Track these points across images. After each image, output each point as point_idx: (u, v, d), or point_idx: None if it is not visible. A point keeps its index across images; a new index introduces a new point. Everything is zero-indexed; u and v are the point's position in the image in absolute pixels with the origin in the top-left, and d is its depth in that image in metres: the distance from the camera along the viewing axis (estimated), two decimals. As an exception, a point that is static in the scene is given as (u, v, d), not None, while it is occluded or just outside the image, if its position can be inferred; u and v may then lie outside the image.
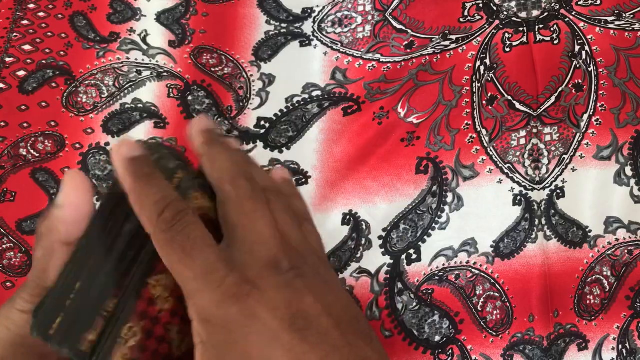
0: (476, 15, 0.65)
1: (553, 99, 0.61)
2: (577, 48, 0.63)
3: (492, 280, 0.56)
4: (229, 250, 0.39)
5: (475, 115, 0.61)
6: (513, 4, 0.65)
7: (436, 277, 0.57)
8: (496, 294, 0.56)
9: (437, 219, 0.58)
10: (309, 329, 0.37)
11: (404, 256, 0.58)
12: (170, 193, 0.39)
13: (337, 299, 0.40)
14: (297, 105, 0.63)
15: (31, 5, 0.68)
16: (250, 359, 0.37)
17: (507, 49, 0.63)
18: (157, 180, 0.39)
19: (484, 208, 0.59)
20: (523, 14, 0.64)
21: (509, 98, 0.61)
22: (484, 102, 0.62)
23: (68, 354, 0.37)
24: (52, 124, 0.63)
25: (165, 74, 0.65)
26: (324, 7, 0.67)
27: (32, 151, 0.62)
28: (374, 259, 0.58)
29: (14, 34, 0.67)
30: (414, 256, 0.58)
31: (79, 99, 0.64)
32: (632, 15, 0.63)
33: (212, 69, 0.65)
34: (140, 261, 0.38)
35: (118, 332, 0.37)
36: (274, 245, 0.39)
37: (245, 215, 0.40)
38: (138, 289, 0.38)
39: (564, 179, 0.59)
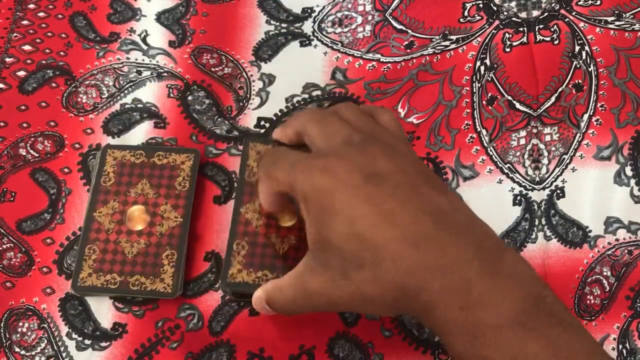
0: (476, 15, 0.65)
1: (553, 99, 0.61)
2: (577, 48, 0.63)
3: (492, 280, 0.56)
4: (315, 153, 0.50)
5: (475, 115, 0.61)
6: (513, 4, 0.65)
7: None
8: (496, 294, 0.56)
9: (437, 219, 0.58)
10: (384, 183, 0.45)
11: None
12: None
13: (409, 162, 0.48)
14: (297, 105, 0.63)
15: (31, 6, 0.68)
16: (339, 214, 0.45)
17: (507, 49, 0.63)
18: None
19: (484, 208, 0.58)
20: (523, 14, 0.64)
21: (509, 98, 0.61)
22: (484, 102, 0.62)
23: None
24: (52, 124, 0.63)
25: (165, 74, 0.65)
26: (324, 7, 0.67)
27: (31, 151, 0.62)
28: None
29: (14, 34, 0.67)
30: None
31: (79, 99, 0.64)
32: (632, 16, 0.64)
33: (212, 69, 0.65)
34: (235, 200, 0.58)
35: (230, 248, 0.55)
36: (344, 129, 0.50)
37: (318, 123, 0.51)
38: (235, 217, 0.57)
39: (564, 179, 0.59)
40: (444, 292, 0.43)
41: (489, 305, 0.42)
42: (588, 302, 0.55)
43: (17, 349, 0.56)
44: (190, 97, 0.63)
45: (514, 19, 0.64)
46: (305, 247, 0.52)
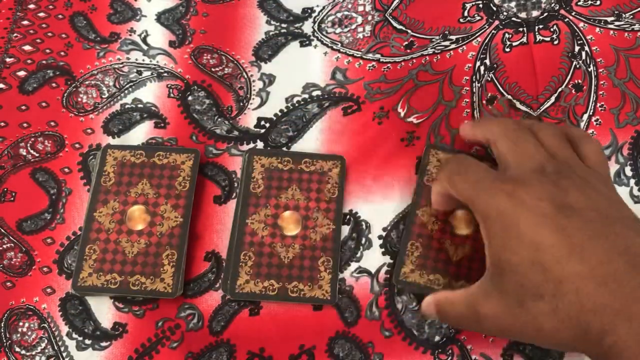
0: (476, 15, 0.65)
1: (553, 99, 0.61)
2: (576, 48, 0.63)
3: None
4: (502, 172, 0.49)
5: (475, 115, 0.61)
6: (513, 4, 0.65)
7: (436, 277, 0.57)
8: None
9: (437, 218, 0.58)
10: (575, 216, 0.43)
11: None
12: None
13: (604, 199, 0.46)
14: (297, 105, 0.63)
15: (31, 6, 0.68)
16: (523, 238, 0.43)
17: (507, 49, 0.63)
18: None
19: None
20: (523, 14, 0.64)
21: (509, 98, 0.61)
22: (483, 102, 0.62)
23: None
24: (52, 124, 0.63)
25: (165, 74, 0.65)
26: (324, 7, 0.67)
27: (31, 151, 0.62)
28: (374, 258, 0.58)
29: (14, 34, 0.67)
30: (414, 256, 0.58)
31: (79, 99, 0.64)
32: (631, 16, 0.64)
33: (212, 69, 0.65)
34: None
35: (404, 248, 0.56)
36: (538, 156, 0.48)
37: (512, 141, 0.50)
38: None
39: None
40: (632, 340, 0.40)
41: None
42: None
43: (17, 349, 0.56)
44: (190, 97, 0.64)
45: (513, 19, 0.64)
46: (479, 258, 0.55)
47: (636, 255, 0.42)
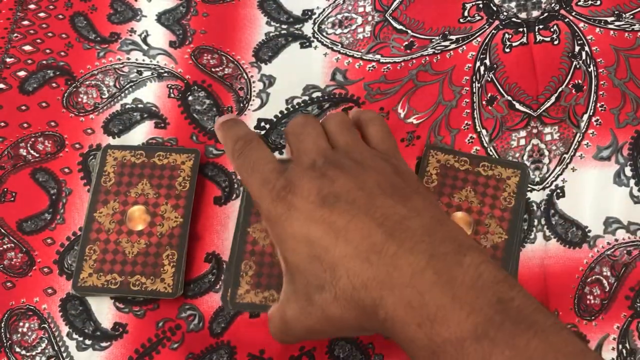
0: (476, 15, 0.65)
1: (553, 99, 0.61)
2: (577, 48, 0.63)
3: (492, 281, 0.56)
4: (286, 165, 0.49)
5: (475, 116, 0.61)
6: (513, 4, 0.65)
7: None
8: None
9: (437, 219, 0.58)
10: (339, 202, 0.45)
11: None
12: (244, 132, 0.52)
13: (375, 174, 0.47)
14: (297, 106, 0.63)
15: (32, 6, 0.68)
16: (299, 236, 0.45)
17: (507, 50, 0.63)
18: (237, 126, 0.53)
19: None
20: (523, 15, 0.64)
21: (509, 98, 0.61)
22: (483, 102, 0.62)
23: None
24: (52, 124, 0.63)
25: (165, 74, 0.65)
26: (324, 9, 0.67)
27: (32, 151, 0.62)
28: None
29: (15, 35, 0.67)
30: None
31: (80, 99, 0.64)
32: (632, 16, 0.64)
33: (213, 70, 0.65)
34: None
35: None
36: (313, 152, 0.49)
37: (295, 136, 0.51)
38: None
39: (564, 179, 0.59)
40: (398, 307, 0.41)
41: (447, 319, 0.40)
42: (588, 302, 0.55)
43: (17, 349, 0.56)
44: (190, 98, 0.64)
45: (513, 19, 0.64)
46: None
47: (394, 223, 0.43)
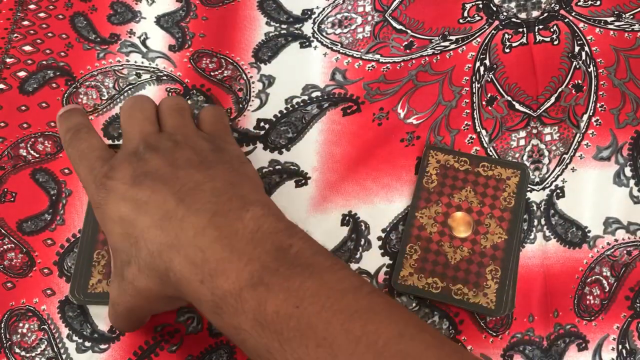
0: (476, 15, 0.65)
1: (553, 99, 0.61)
2: (576, 49, 0.63)
3: (492, 281, 0.56)
4: (116, 152, 0.51)
5: (475, 116, 0.61)
6: (513, 4, 0.65)
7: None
8: (495, 295, 0.56)
9: (436, 219, 0.58)
10: (146, 179, 0.47)
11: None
12: (75, 122, 0.54)
13: (195, 153, 0.49)
14: (296, 106, 0.63)
15: (32, 6, 0.68)
16: (114, 220, 0.47)
17: (507, 50, 0.63)
18: (70, 116, 0.55)
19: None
20: (523, 15, 0.64)
21: (509, 99, 0.61)
22: (483, 102, 0.62)
23: None
24: (52, 124, 0.63)
25: (164, 77, 0.65)
26: (324, 9, 0.67)
27: (32, 152, 0.62)
28: (374, 259, 0.58)
29: (15, 35, 0.67)
30: (414, 257, 0.58)
31: (79, 100, 0.64)
32: (631, 16, 0.63)
33: (212, 73, 0.65)
34: (412, 204, 0.58)
35: (403, 251, 0.56)
36: (137, 138, 0.51)
37: (124, 121, 0.53)
38: (411, 220, 0.57)
39: (564, 179, 0.59)
40: (183, 266, 0.43)
41: (226, 272, 0.42)
42: (588, 302, 0.55)
43: (17, 350, 0.56)
44: (189, 102, 0.63)
45: (513, 19, 0.64)
46: (477, 261, 0.55)
47: (188, 190, 0.46)
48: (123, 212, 0.46)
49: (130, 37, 0.66)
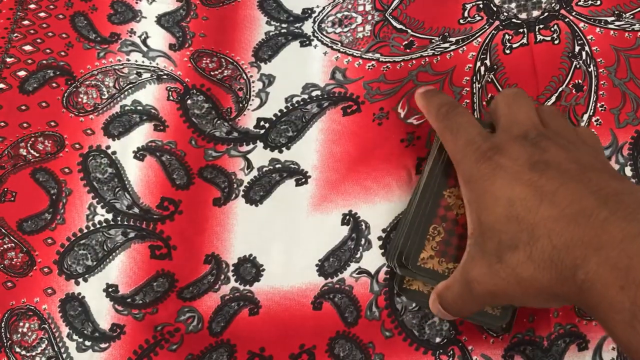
0: (476, 16, 0.65)
1: (553, 99, 0.61)
2: (577, 48, 0.63)
3: (492, 281, 0.56)
4: (492, 134, 0.50)
5: (476, 116, 0.61)
6: (513, 4, 0.65)
7: (436, 278, 0.57)
8: (496, 295, 0.56)
9: (436, 219, 0.58)
10: (549, 169, 0.45)
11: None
12: (449, 99, 0.54)
13: (589, 155, 0.48)
14: (296, 105, 0.63)
15: (32, 6, 0.68)
16: (498, 197, 0.45)
17: (507, 51, 0.63)
18: (439, 94, 0.55)
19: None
20: (523, 15, 0.64)
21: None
22: (484, 102, 0.62)
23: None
24: (52, 124, 0.63)
25: (165, 76, 0.65)
26: (324, 8, 0.67)
27: (32, 151, 0.62)
28: (374, 259, 0.58)
29: (15, 34, 0.67)
30: (414, 257, 0.58)
31: (80, 99, 0.64)
32: (632, 16, 0.63)
33: (212, 73, 0.65)
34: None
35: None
36: (527, 124, 0.49)
37: (509, 106, 0.51)
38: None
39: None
40: (603, 269, 0.40)
41: None
42: (588, 302, 0.55)
43: (17, 349, 0.56)
44: (189, 101, 0.63)
45: (513, 20, 0.64)
46: None
47: (608, 194, 0.43)
48: (518, 194, 0.45)
49: (130, 36, 0.67)
